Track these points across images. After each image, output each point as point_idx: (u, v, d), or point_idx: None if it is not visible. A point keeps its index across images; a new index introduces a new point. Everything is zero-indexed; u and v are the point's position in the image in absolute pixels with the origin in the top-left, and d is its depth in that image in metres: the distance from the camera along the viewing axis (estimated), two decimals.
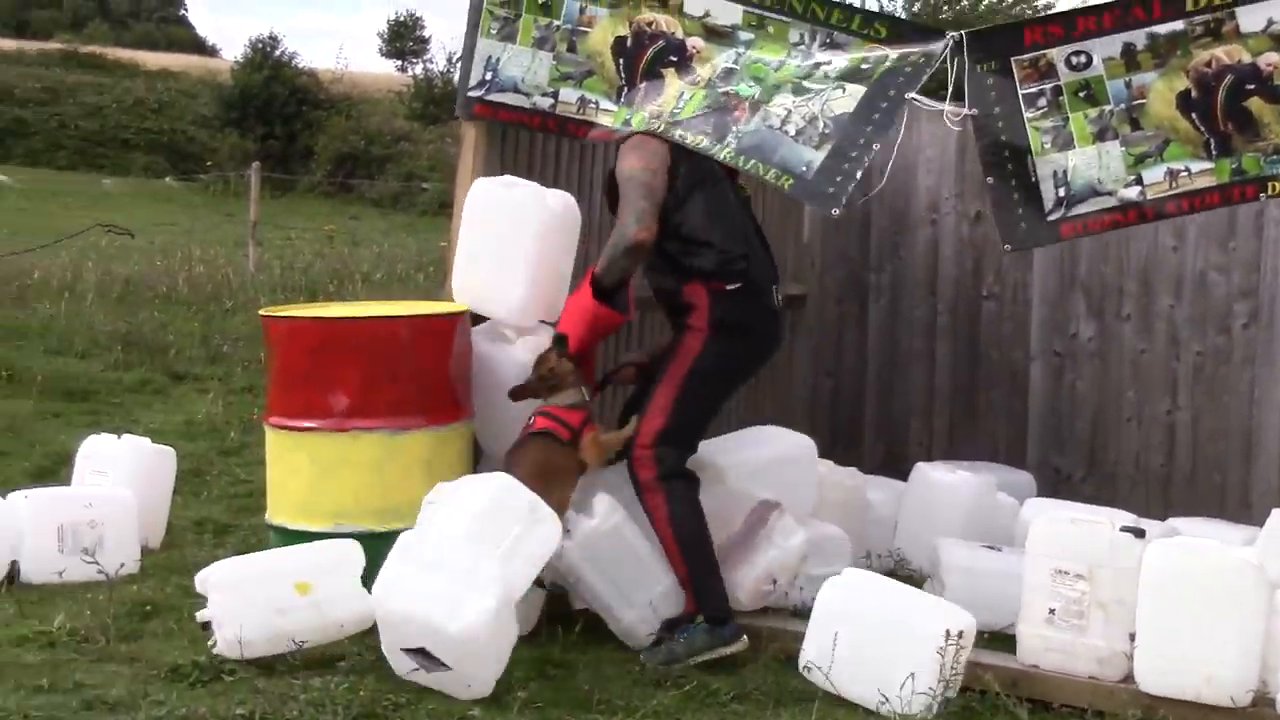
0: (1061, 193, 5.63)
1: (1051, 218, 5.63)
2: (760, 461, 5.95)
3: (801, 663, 5.08)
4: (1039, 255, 7.98)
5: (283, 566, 5.25)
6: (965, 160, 8.06)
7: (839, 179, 5.49)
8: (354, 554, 5.30)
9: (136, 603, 5.69)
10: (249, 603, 5.02)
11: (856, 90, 5.63)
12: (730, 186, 5.77)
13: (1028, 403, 8.10)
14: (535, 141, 6.53)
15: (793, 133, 5.64)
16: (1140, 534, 5.03)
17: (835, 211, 5.61)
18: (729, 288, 5.50)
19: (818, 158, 5.56)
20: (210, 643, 5.02)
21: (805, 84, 5.72)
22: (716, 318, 5.48)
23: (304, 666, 4.96)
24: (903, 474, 7.20)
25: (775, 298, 5.71)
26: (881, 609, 5.03)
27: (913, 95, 5.58)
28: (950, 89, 5.73)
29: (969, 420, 8.28)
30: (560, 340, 5.49)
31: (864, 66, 5.69)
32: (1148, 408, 7.80)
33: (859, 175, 5.47)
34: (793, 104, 5.66)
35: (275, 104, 36.44)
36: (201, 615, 5.11)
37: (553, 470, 5.34)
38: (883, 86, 5.62)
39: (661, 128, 5.75)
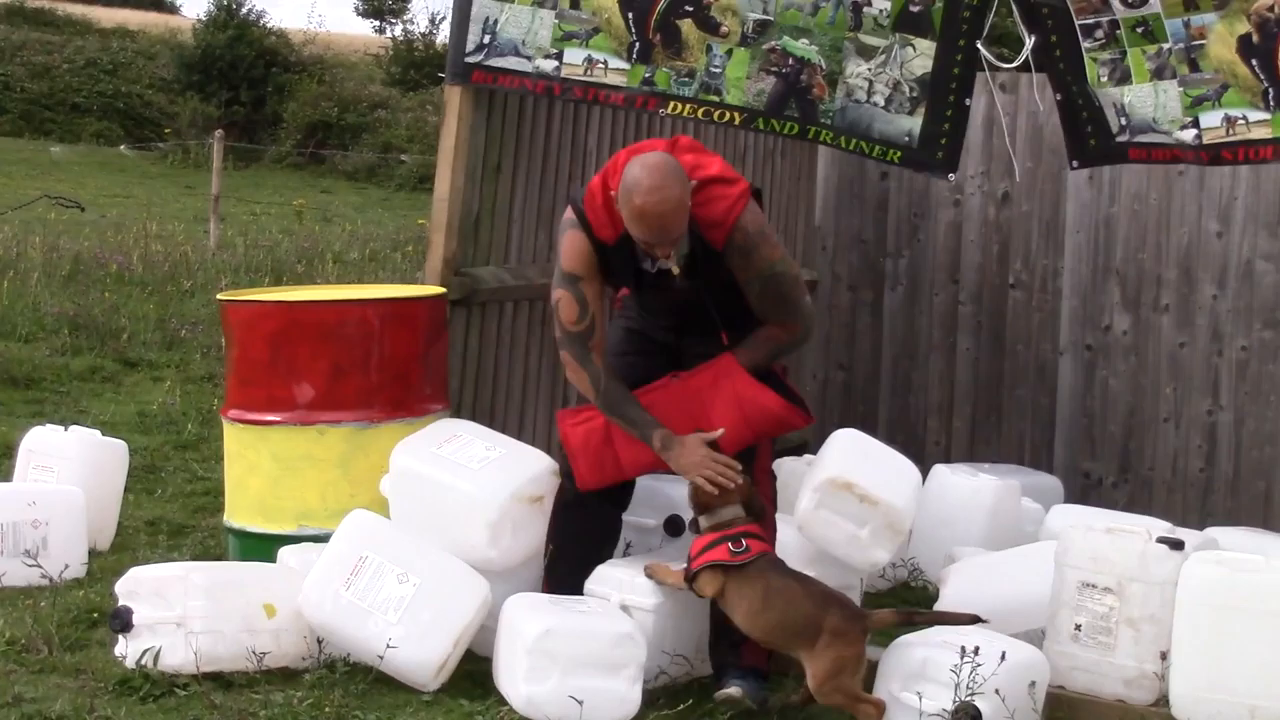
0: (1123, 121, 5.94)
1: (1119, 139, 5.97)
2: None
3: None
4: (1070, 240, 8.01)
5: (253, 580, 5.27)
6: (992, 136, 8.08)
7: (944, 141, 6.00)
8: None
9: (83, 610, 5.69)
10: (223, 614, 5.03)
11: (927, 46, 6.01)
12: None
13: (1056, 401, 8.12)
14: (525, 107, 6.55)
15: (881, 103, 6.04)
16: (1178, 545, 5.02)
17: (951, 177, 6.22)
18: None
19: (916, 125, 6.02)
20: (141, 656, 5.01)
21: (865, 39, 6.01)
22: None
23: (264, 680, 4.97)
24: (920, 476, 7.20)
25: None
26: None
27: (982, 46, 5.98)
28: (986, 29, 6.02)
29: (992, 419, 8.30)
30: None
31: (913, 9, 6.00)
32: (1187, 407, 7.82)
33: (963, 134, 5.99)
34: (869, 71, 6.00)
35: (241, 66, 36.31)
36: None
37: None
38: (950, 39, 5.99)
39: (695, 87, 5.94)
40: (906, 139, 6.03)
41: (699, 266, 5.07)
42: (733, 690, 4.97)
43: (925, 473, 7.08)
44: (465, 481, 5.29)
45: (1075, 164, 6.24)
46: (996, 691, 4.62)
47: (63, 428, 6.96)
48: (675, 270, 5.00)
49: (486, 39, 6.15)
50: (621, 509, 5.50)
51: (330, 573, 5.07)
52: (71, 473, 6.66)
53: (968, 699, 4.57)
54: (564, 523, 5.34)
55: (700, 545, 4.97)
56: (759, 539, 4.96)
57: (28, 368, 10.11)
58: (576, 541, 5.34)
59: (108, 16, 48.16)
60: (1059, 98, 6.10)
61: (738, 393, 5.12)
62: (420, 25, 42.28)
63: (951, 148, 6.04)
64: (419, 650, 4.94)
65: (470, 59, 6.16)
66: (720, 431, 5.06)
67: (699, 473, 4.99)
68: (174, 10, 62.64)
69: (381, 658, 4.91)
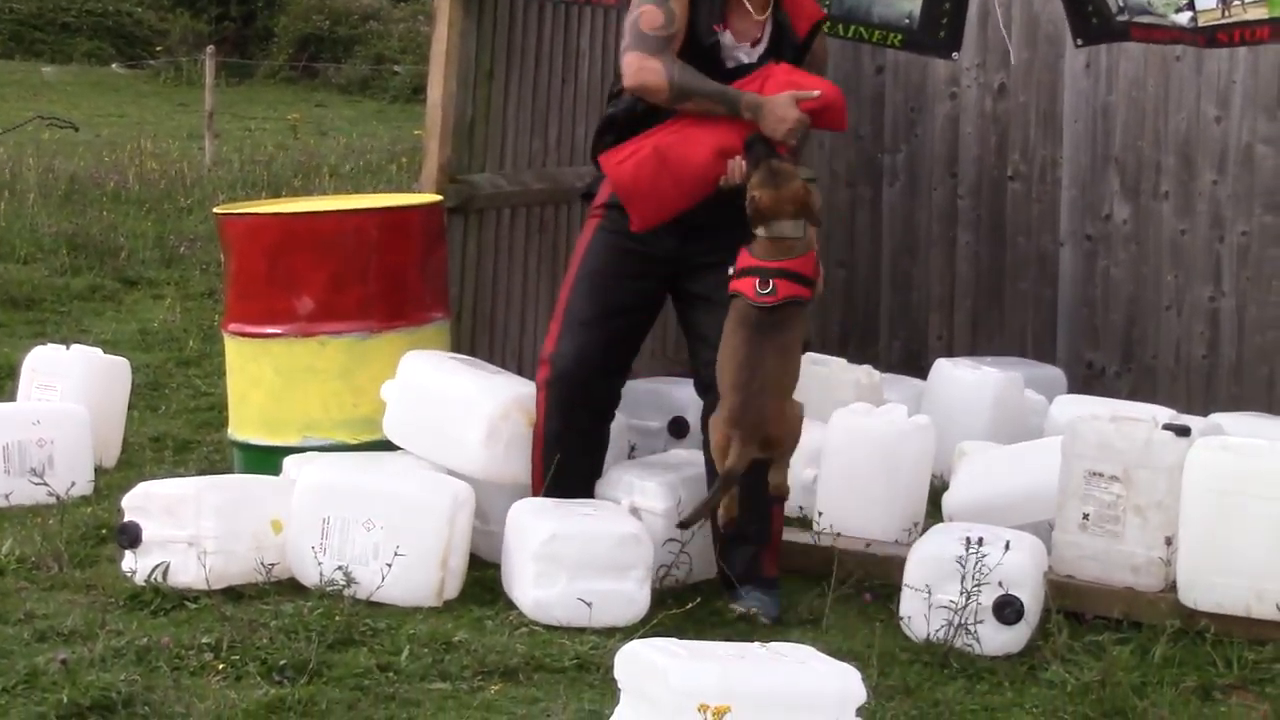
0: (1121, 2, 5.92)
1: (1120, 19, 5.94)
2: None
3: None
4: (1068, 130, 7.94)
5: (262, 495, 5.26)
6: (987, 28, 7.98)
7: (944, 21, 6.04)
8: None
9: (91, 526, 5.70)
10: (234, 534, 5.04)
11: None
12: None
13: (1057, 292, 8.07)
14: (515, 11, 6.50)
15: None
16: (1183, 432, 5.02)
17: (955, 56, 6.33)
18: None
19: (916, 6, 6.03)
20: (151, 572, 5.01)
21: None
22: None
23: (275, 591, 4.98)
24: (922, 371, 7.20)
25: None
26: None
27: None
28: None
29: (993, 312, 8.25)
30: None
31: None
32: (1189, 294, 7.77)
33: (964, 13, 6.06)
34: None
35: None
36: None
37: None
38: None
39: None
40: (907, 21, 5.98)
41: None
42: (749, 608, 4.99)
43: (928, 368, 7.12)
44: (471, 383, 5.35)
45: (1079, 42, 6.26)
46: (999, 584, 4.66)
47: (65, 347, 6.95)
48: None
49: None
50: (607, 421, 5.42)
51: (304, 543, 5.06)
52: (75, 391, 6.65)
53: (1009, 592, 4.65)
54: (551, 436, 5.24)
55: (742, 264, 4.84)
56: (793, 279, 4.83)
57: (27, 288, 10.09)
58: (566, 453, 5.24)
59: None
60: None
61: (799, 81, 5.04)
62: None
63: (953, 27, 6.01)
64: (411, 585, 4.94)
65: None
66: (817, 93, 4.98)
67: (792, 133, 4.93)
68: None
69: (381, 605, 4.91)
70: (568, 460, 5.21)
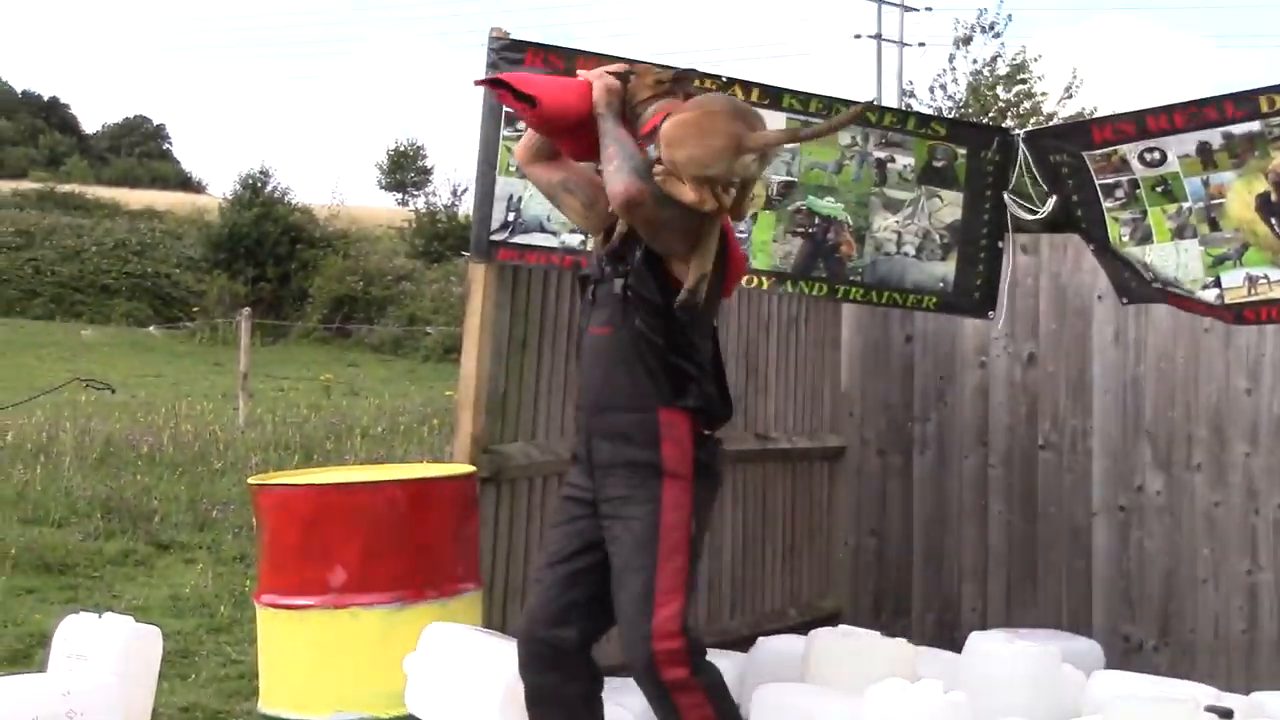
0: (1150, 275, 6.06)
1: (1155, 285, 6.07)
2: None
3: None
4: (1099, 401, 7.98)
5: None
6: (1017, 296, 8.07)
7: (979, 283, 6.21)
8: None
9: None
10: None
11: (954, 196, 6.23)
12: None
13: (1091, 563, 8.04)
14: (549, 281, 6.60)
15: (912, 253, 6.22)
16: (1227, 715, 4.96)
17: (991, 315, 6.40)
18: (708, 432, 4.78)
19: (950, 270, 6.23)
20: None
21: (890, 194, 6.20)
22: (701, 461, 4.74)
23: None
24: (956, 644, 7.13)
25: None
26: None
27: (1009, 195, 6.20)
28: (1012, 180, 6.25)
29: (1027, 583, 8.22)
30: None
31: (937, 164, 6.24)
32: (1225, 568, 7.73)
33: (1002, 277, 6.20)
34: (897, 223, 6.17)
35: (267, 243, 36.72)
36: None
37: None
38: (977, 189, 6.21)
39: None
40: (941, 285, 6.12)
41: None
42: None
43: (962, 641, 7.05)
44: (488, 650, 5.32)
45: (1125, 300, 6.41)
46: None
47: (97, 615, 6.93)
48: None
49: (511, 216, 6.20)
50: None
51: None
52: (106, 661, 6.61)
53: None
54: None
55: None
56: None
57: (61, 553, 10.12)
58: None
59: (136, 198, 49.01)
60: (1092, 247, 6.24)
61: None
62: (442, 198, 42.56)
63: (988, 287, 6.13)
64: None
65: (495, 237, 6.21)
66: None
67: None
68: (200, 190, 63.61)
69: None
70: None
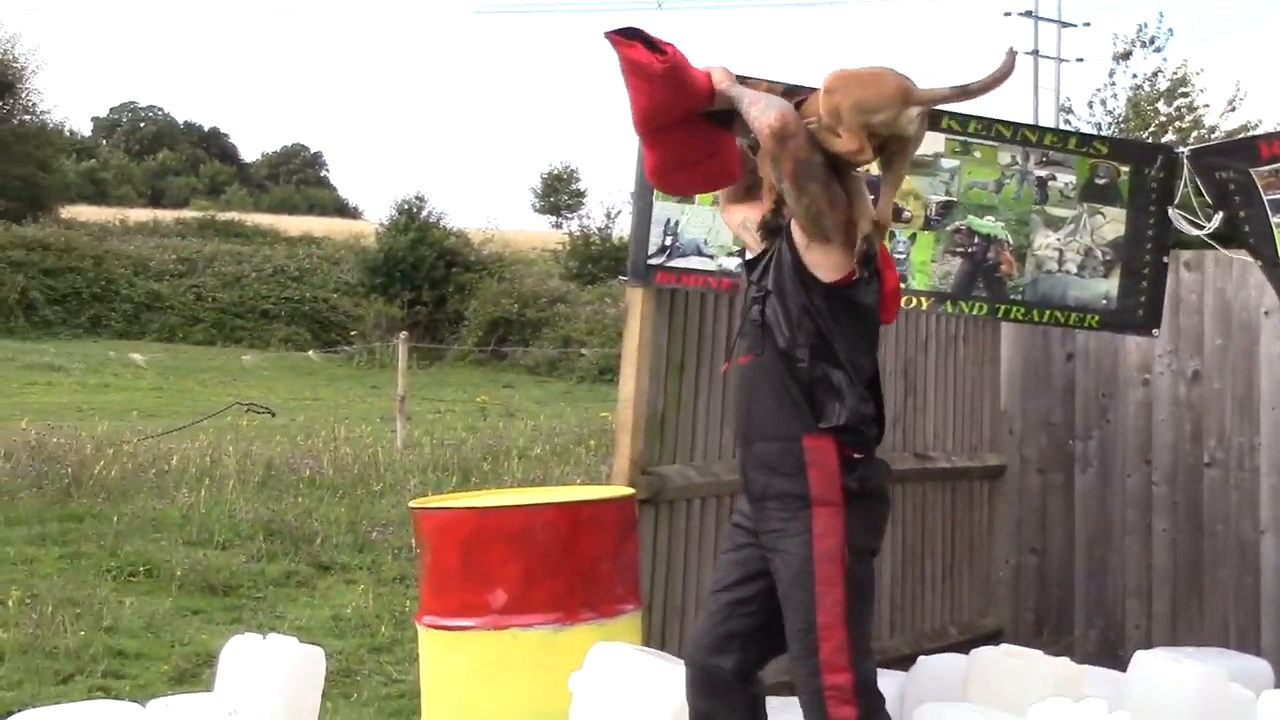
0: None
1: None
2: None
3: None
4: (1266, 418, 7.83)
5: None
6: (1180, 313, 7.97)
7: (1143, 299, 6.14)
8: None
9: None
10: None
11: (1117, 214, 6.18)
12: None
13: (1259, 581, 7.89)
14: (706, 304, 6.61)
15: (1074, 270, 6.17)
16: None
17: (1155, 333, 6.39)
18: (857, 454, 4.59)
19: (1113, 286, 6.17)
20: None
21: (1052, 211, 6.16)
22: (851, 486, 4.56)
23: None
24: (1119, 661, 7.03)
25: None
26: None
27: (1174, 211, 6.15)
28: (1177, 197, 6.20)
29: (1193, 601, 8.09)
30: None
31: (1099, 181, 6.19)
32: None
33: (1163, 291, 6.16)
34: (1058, 240, 6.16)
35: (422, 267, 37.21)
36: None
37: None
38: (1140, 205, 6.16)
39: None
40: (1104, 302, 6.07)
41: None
42: None
43: (1127, 660, 6.94)
44: (659, 669, 5.31)
45: None
46: None
47: (261, 636, 7.04)
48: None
49: (668, 240, 6.23)
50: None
51: None
52: (271, 681, 6.72)
53: None
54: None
55: None
56: None
57: (225, 574, 10.28)
58: None
59: (294, 225, 49.86)
60: (1259, 263, 6.14)
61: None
62: (596, 220, 42.87)
63: (1152, 305, 6.07)
64: None
65: (653, 260, 6.24)
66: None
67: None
68: (357, 216, 64.59)
69: None
70: None
